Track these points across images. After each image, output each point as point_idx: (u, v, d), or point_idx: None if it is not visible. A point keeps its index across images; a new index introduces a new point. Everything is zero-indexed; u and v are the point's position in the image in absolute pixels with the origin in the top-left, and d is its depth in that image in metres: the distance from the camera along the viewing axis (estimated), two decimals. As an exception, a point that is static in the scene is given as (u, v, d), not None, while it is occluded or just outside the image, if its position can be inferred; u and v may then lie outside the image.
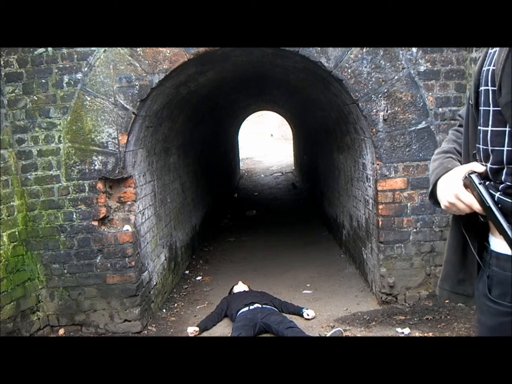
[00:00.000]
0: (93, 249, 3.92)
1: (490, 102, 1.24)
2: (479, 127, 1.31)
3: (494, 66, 1.22)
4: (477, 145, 1.32)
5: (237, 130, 14.76)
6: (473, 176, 1.24)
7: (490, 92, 1.24)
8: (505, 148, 1.20)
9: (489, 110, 1.24)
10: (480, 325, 1.38)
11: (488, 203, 1.20)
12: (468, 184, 1.25)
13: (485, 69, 1.28)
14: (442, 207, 1.35)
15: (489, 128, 1.24)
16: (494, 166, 1.24)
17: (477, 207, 1.23)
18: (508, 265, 1.22)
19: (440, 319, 3.76)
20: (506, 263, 1.23)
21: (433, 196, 1.40)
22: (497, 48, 1.23)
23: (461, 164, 1.37)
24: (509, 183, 1.21)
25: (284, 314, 4.06)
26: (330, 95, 4.65)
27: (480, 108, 1.29)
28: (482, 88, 1.28)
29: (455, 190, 1.27)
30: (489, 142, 1.25)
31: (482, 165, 1.30)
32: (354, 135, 4.65)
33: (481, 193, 1.22)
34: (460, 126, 1.52)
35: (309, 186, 10.64)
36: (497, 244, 1.28)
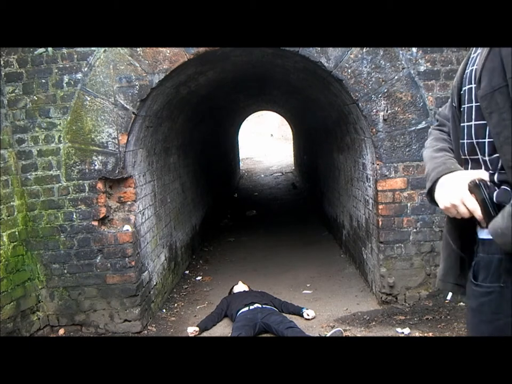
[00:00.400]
0: (93, 249, 3.92)
1: (473, 98, 1.30)
2: (462, 124, 1.36)
3: (476, 66, 1.29)
4: (461, 141, 1.37)
5: (237, 130, 14.76)
6: (482, 184, 1.26)
7: (473, 89, 1.30)
8: (487, 140, 1.26)
9: (472, 105, 1.30)
10: (467, 310, 1.45)
11: (494, 214, 1.22)
12: (473, 190, 1.27)
13: (468, 70, 1.35)
14: (441, 206, 1.36)
15: (473, 123, 1.30)
16: (481, 158, 1.30)
17: (478, 214, 1.26)
18: (492, 248, 1.27)
19: (440, 319, 3.76)
20: (490, 246, 1.28)
21: (430, 193, 1.42)
22: (479, 51, 1.30)
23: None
24: (492, 172, 1.28)
25: (284, 314, 4.05)
26: (330, 95, 4.65)
27: (464, 106, 1.35)
28: (466, 87, 1.35)
29: (460, 193, 1.28)
30: (473, 136, 1.31)
31: (466, 158, 1.36)
32: (354, 135, 4.65)
33: (489, 203, 1.24)
34: (441, 125, 1.57)
35: (309, 186, 10.64)
36: (483, 232, 1.33)
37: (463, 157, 1.38)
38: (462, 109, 1.37)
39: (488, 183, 1.26)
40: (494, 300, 1.26)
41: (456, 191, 1.29)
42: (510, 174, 1.20)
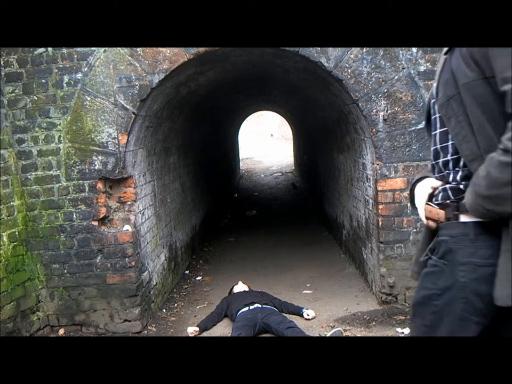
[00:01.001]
0: (93, 249, 3.92)
1: (436, 110, 1.49)
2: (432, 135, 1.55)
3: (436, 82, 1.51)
4: (431, 148, 1.56)
5: (237, 130, 14.76)
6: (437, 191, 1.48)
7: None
8: (449, 143, 1.43)
9: (436, 116, 1.49)
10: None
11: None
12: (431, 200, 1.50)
13: (433, 88, 1.55)
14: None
15: (438, 131, 1.49)
16: (443, 160, 1.47)
17: (442, 217, 1.45)
18: (443, 231, 1.45)
19: (440, 319, 3.76)
20: (443, 230, 1.46)
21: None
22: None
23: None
24: (457, 169, 1.44)
25: (284, 314, 4.05)
26: (330, 95, 4.65)
27: (431, 120, 1.54)
28: (431, 102, 1.54)
29: (422, 205, 1.54)
30: (438, 142, 1.48)
31: (432, 164, 1.54)
32: (354, 135, 4.65)
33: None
34: None
35: (309, 186, 10.64)
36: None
37: (430, 163, 1.57)
38: (430, 124, 1.56)
39: (440, 187, 1.46)
40: (435, 273, 1.44)
41: (420, 204, 1.53)
42: (471, 168, 1.34)
